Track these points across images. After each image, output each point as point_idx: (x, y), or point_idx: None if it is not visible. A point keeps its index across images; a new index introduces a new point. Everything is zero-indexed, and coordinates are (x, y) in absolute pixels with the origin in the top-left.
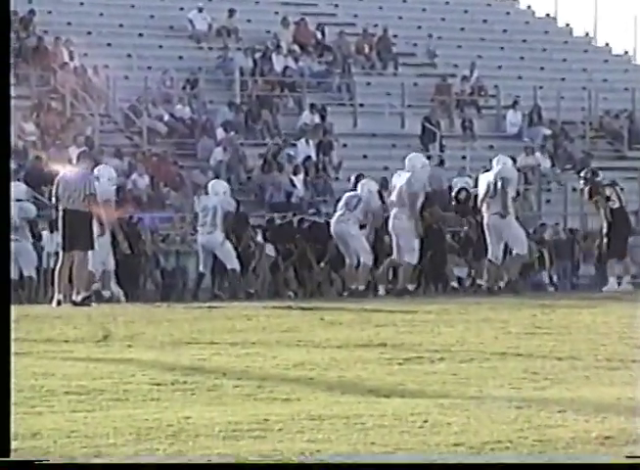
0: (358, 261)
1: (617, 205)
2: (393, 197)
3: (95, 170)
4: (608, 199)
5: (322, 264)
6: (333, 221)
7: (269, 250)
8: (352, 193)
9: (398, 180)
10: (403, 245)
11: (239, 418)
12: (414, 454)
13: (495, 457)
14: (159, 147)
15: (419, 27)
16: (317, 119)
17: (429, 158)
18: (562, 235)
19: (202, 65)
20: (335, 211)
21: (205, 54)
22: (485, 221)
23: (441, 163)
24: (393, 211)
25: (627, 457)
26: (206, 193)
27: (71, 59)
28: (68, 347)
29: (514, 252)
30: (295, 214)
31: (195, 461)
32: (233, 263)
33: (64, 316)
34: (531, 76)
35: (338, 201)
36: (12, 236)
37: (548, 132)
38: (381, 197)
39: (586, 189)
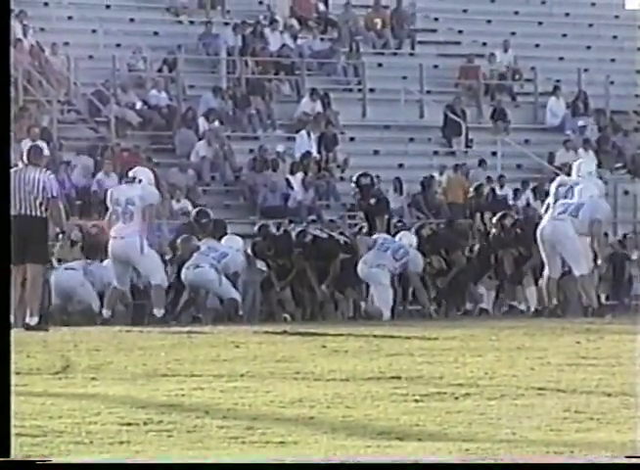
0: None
1: None
2: (554, 204)
3: (131, 173)
4: None
5: (324, 287)
6: (363, 265)
7: (260, 264)
8: (396, 243)
9: (564, 187)
10: (572, 254)
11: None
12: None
13: (495, 457)
14: (129, 140)
15: None
16: (319, 108)
17: (452, 153)
18: (611, 247)
19: (181, 42)
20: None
21: (184, 29)
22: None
23: (480, 163)
24: (556, 216)
25: (627, 457)
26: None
27: (25, 35)
28: (21, 379)
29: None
30: (291, 221)
31: (195, 461)
32: (231, 294)
33: (15, 343)
34: (575, 57)
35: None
36: None
37: (593, 124)
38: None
39: None
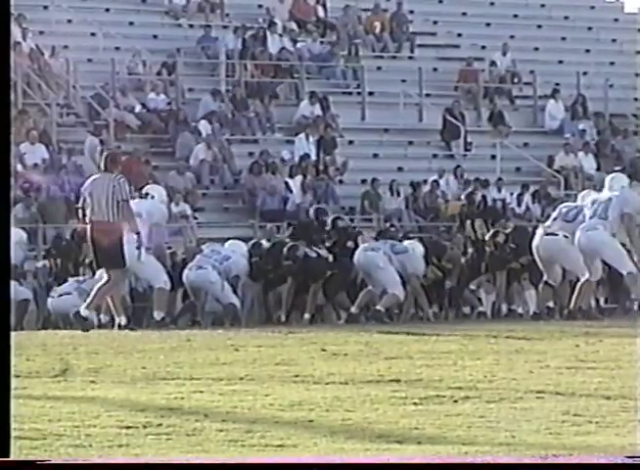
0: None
1: None
2: (590, 211)
3: (144, 190)
4: None
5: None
6: (360, 251)
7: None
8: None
9: (600, 196)
10: (614, 257)
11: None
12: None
13: (495, 457)
14: (128, 144)
15: (440, 1)
16: (318, 111)
17: (451, 156)
18: None
19: (180, 45)
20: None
21: (184, 32)
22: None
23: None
24: (588, 227)
25: (627, 457)
26: None
27: (24, 38)
28: (20, 382)
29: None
30: (290, 225)
31: (195, 461)
32: (231, 299)
33: (14, 346)
34: (574, 60)
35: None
36: None
37: (592, 127)
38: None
39: None
